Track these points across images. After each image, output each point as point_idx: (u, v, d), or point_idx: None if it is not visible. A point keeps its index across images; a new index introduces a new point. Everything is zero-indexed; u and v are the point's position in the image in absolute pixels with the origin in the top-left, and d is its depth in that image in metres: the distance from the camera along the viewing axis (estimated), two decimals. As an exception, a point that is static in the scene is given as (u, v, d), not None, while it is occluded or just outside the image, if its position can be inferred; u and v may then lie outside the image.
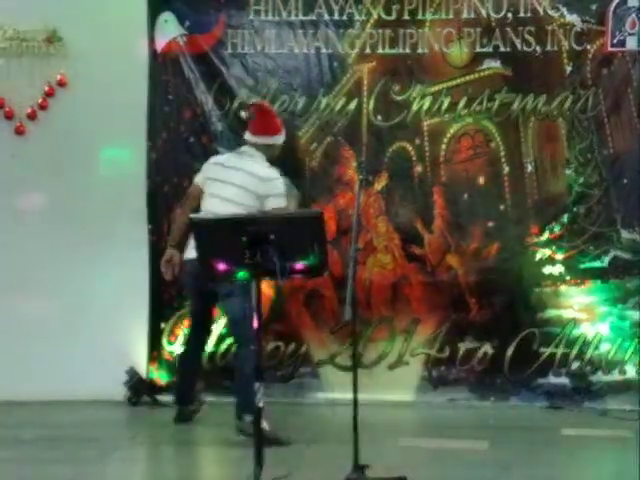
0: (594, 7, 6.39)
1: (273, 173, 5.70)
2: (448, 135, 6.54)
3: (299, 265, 4.09)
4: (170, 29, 6.63)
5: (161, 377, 6.64)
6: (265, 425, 4.75)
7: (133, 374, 6.52)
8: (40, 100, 6.64)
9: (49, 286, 6.54)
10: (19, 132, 6.65)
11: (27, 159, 6.63)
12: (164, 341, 6.65)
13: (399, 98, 6.56)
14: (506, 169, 6.51)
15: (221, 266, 4.10)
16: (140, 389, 6.52)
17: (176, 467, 5.31)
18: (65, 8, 6.56)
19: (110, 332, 6.45)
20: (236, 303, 5.35)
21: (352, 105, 6.58)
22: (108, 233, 6.52)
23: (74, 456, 5.18)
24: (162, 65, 6.66)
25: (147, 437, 5.86)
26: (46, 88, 6.64)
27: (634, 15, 6.33)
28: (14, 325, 6.50)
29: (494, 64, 6.48)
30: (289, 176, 6.56)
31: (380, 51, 6.56)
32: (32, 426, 5.88)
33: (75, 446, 5.42)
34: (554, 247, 6.45)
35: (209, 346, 6.39)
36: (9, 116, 6.65)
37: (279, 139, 5.89)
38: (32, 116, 6.65)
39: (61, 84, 6.64)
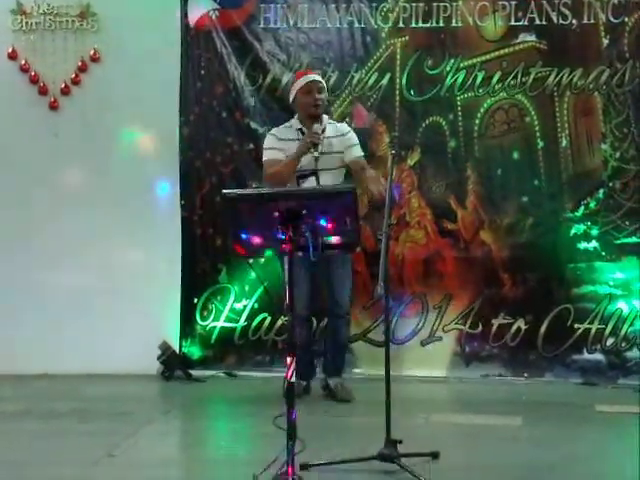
0: (632, -22, 6.30)
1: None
2: (482, 110, 6.49)
3: (331, 241, 4.07)
4: (203, 3, 6.62)
5: (194, 352, 6.68)
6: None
7: (166, 348, 6.55)
8: (73, 75, 6.66)
9: (82, 261, 6.58)
10: (53, 107, 6.68)
11: (61, 134, 6.66)
12: (197, 316, 6.68)
13: (432, 72, 6.51)
14: (541, 144, 6.45)
15: (256, 240, 4.08)
16: (173, 363, 6.55)
17: (209, 441, 5.35)
18: (98, -17, 6.57)
19: (143, 306, 6.49)
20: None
21: (385, 80, 6.53)
22: (141, 208, 6.55)
23: (107, 429, 5.22)
24: (195, 40, 6.64)
25: (180, 411, 5.90)
26: (79, 63, 6.66)
27: (673, -14, 6.23)
28: (48, 299, 6.56)
29: (529, 37, 6.41)
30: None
31: (413, 25, 6.50)
32: (66, 399, 5.94)
33: (108, 420, 5.46)
34: (589, 222, 6.39)
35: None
36: (43, 92, 6.67)
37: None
38: (66, 91, 6.68)
39: (94, 59, 6.66)
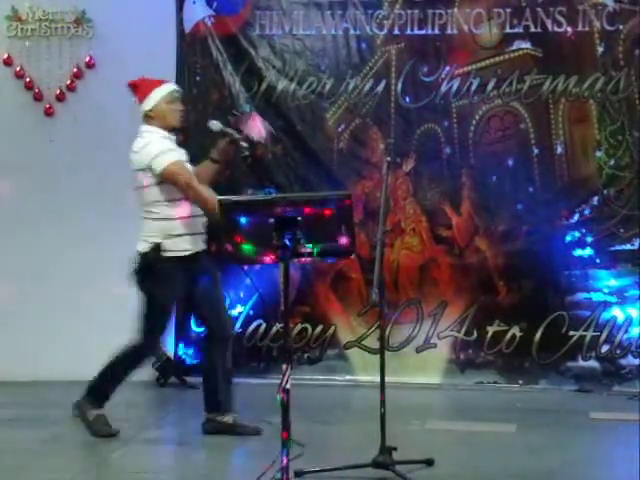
0: (626, -13, 6.31)
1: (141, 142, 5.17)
2: (477, 117, 6.50)
3: (327, 247, 4.07)
4: (198, 10, 6.63)
5: (189, 358, 6.67)
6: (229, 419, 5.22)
7: (161, 355, 6.54)
8: (68, 82, 6.66)
9: (74, 265, 6.57)
10: (48, 114, 6.68)
11: (56, 140, 6.66)
12: (192, 322, 6.66)
13: (428, 79, 6.52)
14: (536, 151, 6.46)
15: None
16: (168, 370, 6.55)
17: (204, 448, 5.33)
18: (93, -11, 6.59)
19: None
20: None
21: (380, 87, 6.55)
22: (137, 213, 6.53)
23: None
24: (190, 46, 6.66)
25: (175, 418, 5.88)
26: (74, 70, 6.66)
27: (668, -5, 6.25)
28: (41, 306, 6.54)
29: (524, 45, 6.43)
30: (317, 158, 6.58)
31: (409, 32, 6.52)
32: (60, 406, 5.90)
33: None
34: (584, 230, 6.40)
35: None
36: (38, 98, 6.68)
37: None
38: (61, 98, 6.68)
39: (89, 66, 6.66)
